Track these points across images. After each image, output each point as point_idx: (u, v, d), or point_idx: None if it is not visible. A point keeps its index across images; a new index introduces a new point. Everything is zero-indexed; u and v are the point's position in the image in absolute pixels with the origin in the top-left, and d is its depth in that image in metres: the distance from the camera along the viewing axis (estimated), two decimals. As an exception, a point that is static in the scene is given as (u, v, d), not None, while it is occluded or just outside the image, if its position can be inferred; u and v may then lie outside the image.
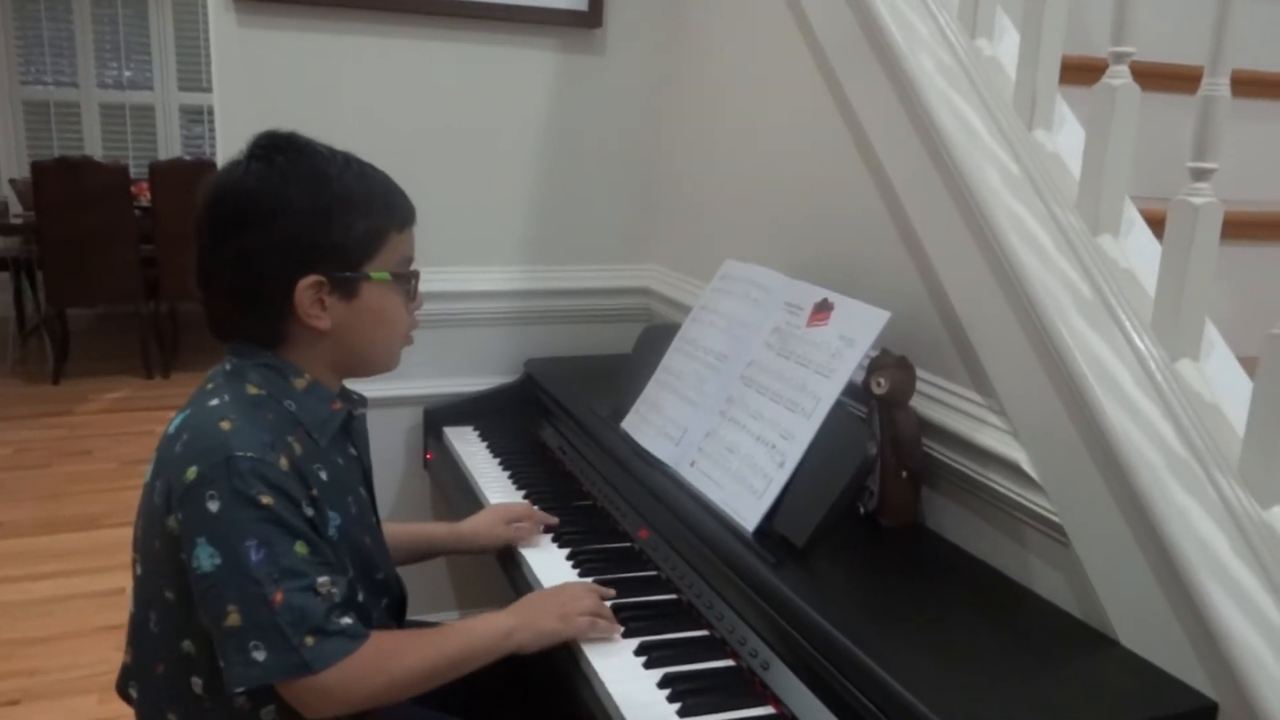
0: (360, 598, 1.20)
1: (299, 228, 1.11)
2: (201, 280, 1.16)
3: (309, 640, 1.04)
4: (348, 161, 1.17)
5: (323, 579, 1.07)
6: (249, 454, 1.05)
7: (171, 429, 1.12)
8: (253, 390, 1.13)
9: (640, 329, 1.88)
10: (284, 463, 1.08)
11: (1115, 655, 1.04)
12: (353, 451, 1.25)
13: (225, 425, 1.07)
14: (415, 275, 1.22)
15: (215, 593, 1.04)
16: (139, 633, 1.17)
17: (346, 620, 1.08)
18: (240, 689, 1.04)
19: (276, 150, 1.13)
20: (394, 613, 1.33)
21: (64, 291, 4.93)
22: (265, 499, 1.04)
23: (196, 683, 1.12)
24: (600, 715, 1.11)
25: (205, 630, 1.07)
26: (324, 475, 1.14)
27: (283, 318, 1.14)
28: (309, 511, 1.09)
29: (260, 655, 1.03)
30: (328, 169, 1.14)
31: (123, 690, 1.21)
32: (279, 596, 1.03)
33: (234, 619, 1.03)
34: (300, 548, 1.06)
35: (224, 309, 1.16)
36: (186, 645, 1.11)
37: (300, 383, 1.16)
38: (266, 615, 1.03)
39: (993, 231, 1.20)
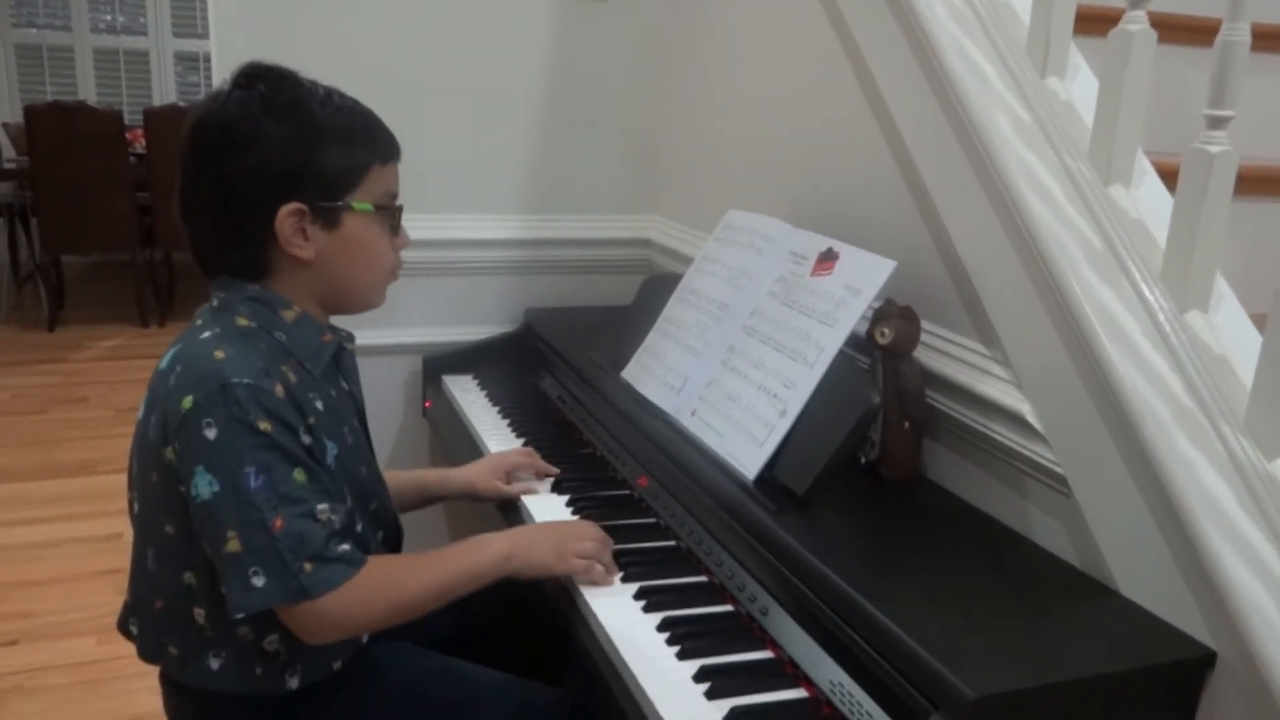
0: (359, 528, 1.20)
1: (277, 155, 1.10)
2: (185, 212, 1.15)
3: (308, 566, 1.05)
4: (330, 94, 1.16)
5: (322, 506, 1.07)
6: (245, 380, 1.05)
7: (163, 364, 1.11)
8: (242, 322, 1.13)
9: (641, 280, 1.87)
10: (280, 390, 1.08)
11: (1115, 604, 1.04)
12: (344, 385, 1.25)
13: (219, 354, 1.06)
14: (398, 209, 1.21)
15: (215, 520, 1.04)
16: (138, 571, 1.17)
17: (345, 547, 1.08)
18: (240, 614, 1.05)
19: (258, 79, 1.13)
20: (390, 548, 1.33)
21: (59, 238, 4.89)
22: (263, 425, 1.04)
23: (199, 613, 1.12)
24: (599, 657, 1.11)
25: (207, 561, 1.08)
26: (319, 405, 1.15)
27: (265, 247, 1.13)
28: (306, 439, 1.10)
29: (260, 581, 1.03)
30: (308, 100, 1.13)
31: (123, 627, 1.22)
32: (279, 522, 1.04)
33: (234, 545, 1.03)
34: (299, 474, 1.07)
35: (208, 240, 1.15)
36: (188, 577, 1.11)
37: (289, 314, 1.16)
38: (266, 541, 1.03)
39: (1002, 180, 1.18)
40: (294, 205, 1.11)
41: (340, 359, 1.24)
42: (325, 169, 1.13)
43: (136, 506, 1.16)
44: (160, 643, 1.16)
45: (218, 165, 1.11)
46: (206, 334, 1.10)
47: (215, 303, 1.16)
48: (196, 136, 1.12)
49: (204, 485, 1.04)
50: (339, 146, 1.14)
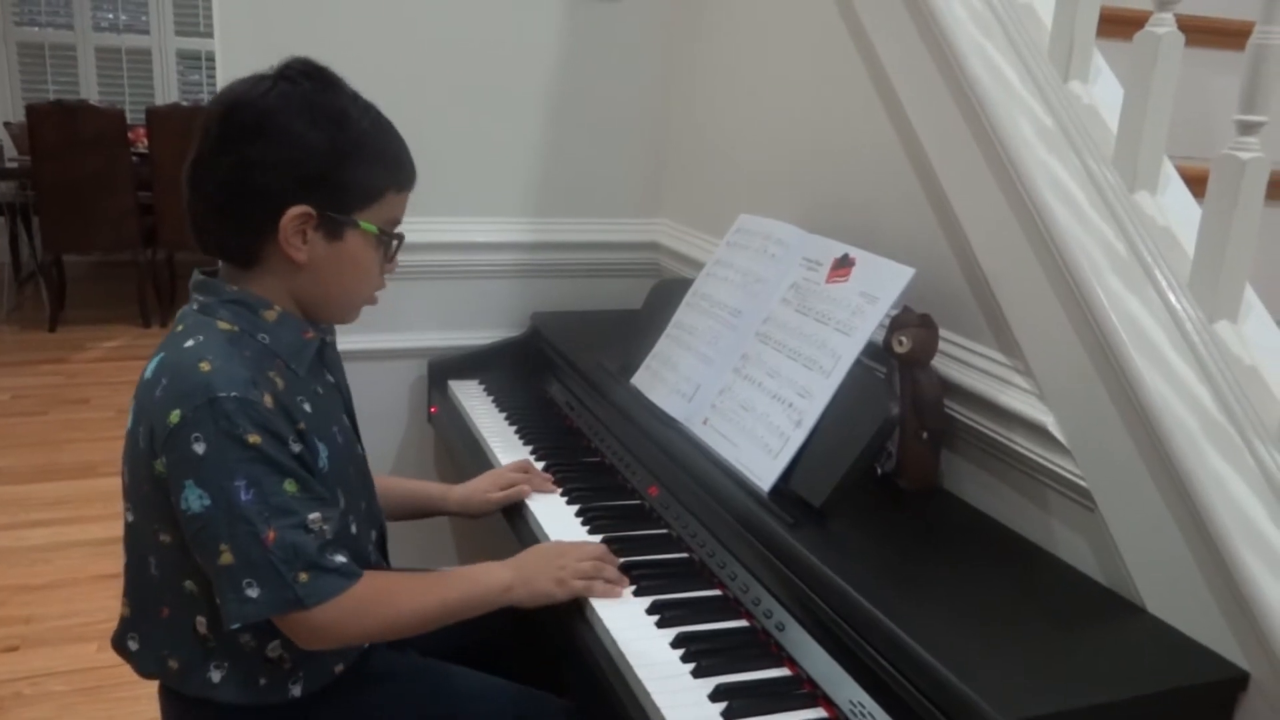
0: (354, 529, 1.20)
1: (307, 156, 1.09)
2: (194, 182, 1.12)
3: (303, 576, 1.04)
4: (369, 109, 1.16)
5: (313, 515, 1.06)
6: (233, 394, 1.03)
7: (148, 373, 1.10)
8: (224, 326, 1.11)
9: (648, 284, 1.84)
10: (268, 400, 1.06)
11: (1142, 623, 1.02)
12: (330, 378, 1.24)
13: (205, 366, 1.05)
14: (400, 238, 1.20)
15: (207, 533, 1.03)
16: (139, 580, 1.15)
17: (340, 559, 1.08)
18: (236, 625, 1.04)
19: (306, 77, 1.12)
20: (378, 548, 1.32)
21: (60, 238, 4.87)
22: (252, 438, 1.03)
23: (201, 621, 1.11)
24: (612, 673, 1.09)
25: (202, 570, 1.07)
26: (308, 407, 1.14)
27: (263, 239, 1.11)
28: (296, 448, 1.09)
29: (254, 592, 1.03)
30: (350, 109, 1.13)
31: (120, 644, 1.19)
32: (271, 534, 1.03)
33: (227, 557, 1.03)
34: (289, 485, 1.06)
35: (208, 216, 1.13)
36: (189, 585, 1.11)
37: (270, 314, 1.14)
38: (260, 553, 1.03)
39: (1025, 186, 1.16)
40: (304, 208, 1.10)
41: (323, 353, 1.23)
42: (346, 183, 1.12)
43: (131, 516, 1.14)
44: (160, 655, 1.14)
45: (242, 150, 1.08)
46: (190, 342, 1.08)
47: (195, 305, 1.14)
48: (229, 116, 1.10)
49: (194, 499, 1.03)
50: (366, 164, 1.13)
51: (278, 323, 1.14)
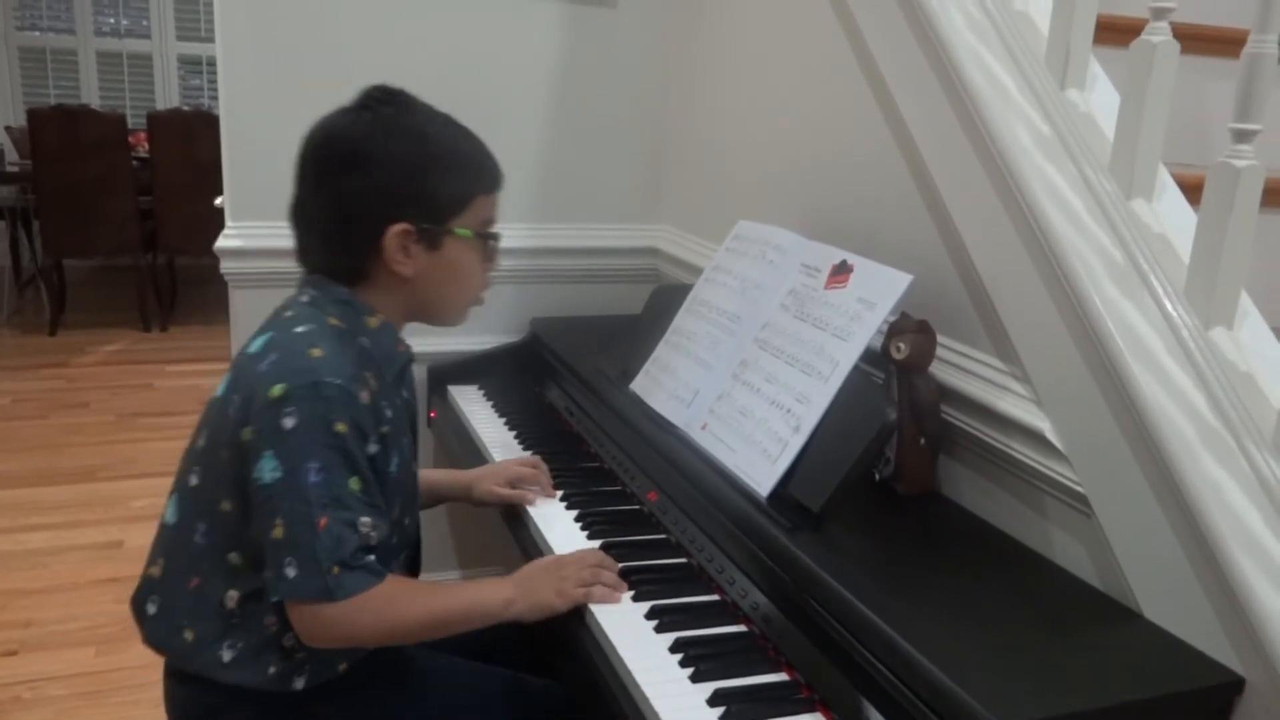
0: (393, 539, 1.22)
1: (396, 178, 1.15)
2: (297, 216, 1.21)
3: (335, 570, 1.07)
4: (448, 122, 1.22)
5: (365, 518, 1.10)
6: (337, 381, 1.09)
7: (254, 348, 1.14)
8: (333, 323, 1.16)
9: (647, 290, 1.85)
10: (366, 396, 1.12)
11: (1139, 628, 1.02)
12: (405, 394, 1.28)
13: (315, 352, 1.10)
14: (496, 237, 1.26)
15: (270, 505, 1.08)
16: (180, 543, 1.17)
17: (370, 558, 1.11)
18: (275, 599, 1.09)
19: (384, 104, 1.19)
20: (409, 567, 1.35)
21: (61, 242, 4.87)
22: (339, 426, 1.08)
23: (232, 595, 1.14)
24: (612, 680, 1.09)
25: (255, 543, 1.10)
26: (389, 414, 1.18)
27: (368, 258, 1.18)
28: (373, 449, 1.13)
29: (291, 572, 1.07)
30: (428, 127, 1.19)
31: (139, 605, 1.20)
32: (323, 521, 1.07)
33: (279, 532, 1.07)
34: (354, 482, 1.10)
35: (314, 245, 1.21)
36: (234, 557, 1.14)
37: (373, 321, 1.20)
38: (307, 536, 1.07)
39: (1022, 194, 1.16)
40: (402, 226, 1.16)
41: (403, 370, 1.27)
42: (437, 195, 1.18)
43: (195, 479, 1.17)
44: (177, 625, 1.16)
45: (337, 182, 1.16)
46: (301, 329, 1.13)
47: (305, 298, 1.19)
48: (320, 151, 1.18)
49: (269, 470, 1.07)
50: (452, 175, 1.19)
51: (379, 330, 1.20)
